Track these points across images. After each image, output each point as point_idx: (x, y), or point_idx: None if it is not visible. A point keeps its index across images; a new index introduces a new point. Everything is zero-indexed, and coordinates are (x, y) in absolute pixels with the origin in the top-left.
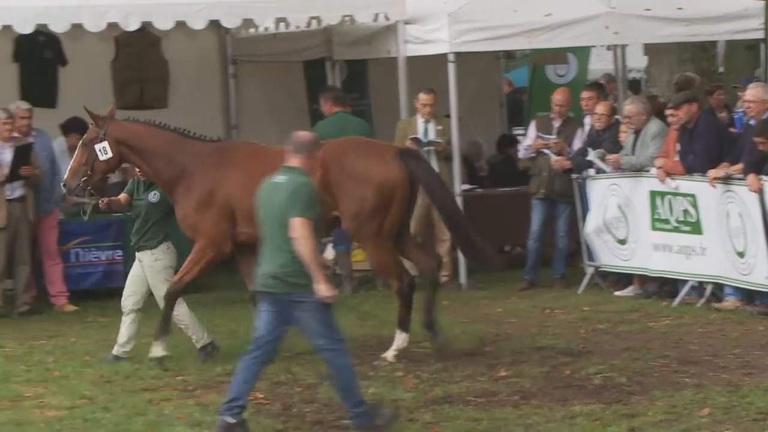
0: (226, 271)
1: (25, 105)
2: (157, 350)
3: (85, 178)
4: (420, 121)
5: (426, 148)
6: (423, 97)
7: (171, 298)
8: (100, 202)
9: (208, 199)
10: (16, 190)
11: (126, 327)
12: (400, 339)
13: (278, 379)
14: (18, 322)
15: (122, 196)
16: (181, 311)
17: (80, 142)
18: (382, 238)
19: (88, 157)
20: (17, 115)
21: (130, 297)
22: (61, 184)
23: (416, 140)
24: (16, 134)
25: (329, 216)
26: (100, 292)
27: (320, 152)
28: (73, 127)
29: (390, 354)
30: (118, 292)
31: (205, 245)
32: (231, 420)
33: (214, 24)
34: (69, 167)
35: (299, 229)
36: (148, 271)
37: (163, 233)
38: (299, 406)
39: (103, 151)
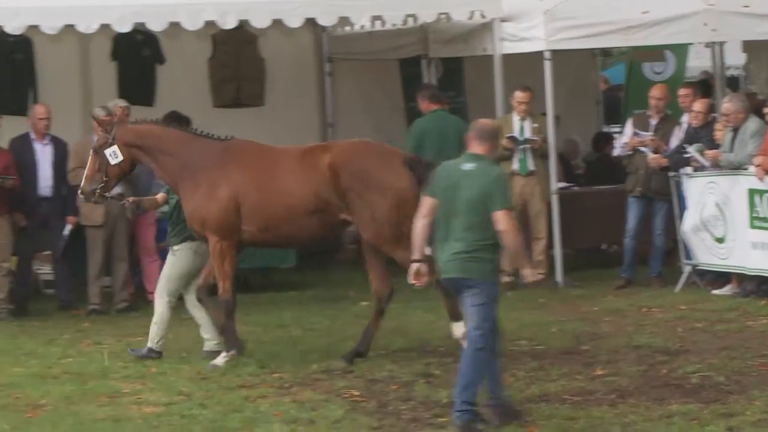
0: (321, 270)
1: (122, 102)
2: (219, 360)
3: (102, 184)
4: (516, 119)
5: (522, 146)
6: (519, 95)
7: (228, 311)
8: (125, 201)
9: (215, 195)
10: (114, 188)
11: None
12: (458, 328)
13: (374, 377)
14: (116, 318)
15: (159, 195)
16: (201, 312)
17: (92, 149)
18: (404, 239)
19: (101, 163)
20: (115, 112)
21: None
22: (78, 192)
23: (512, 139)
24: None
25: (337, 218)
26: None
27: (329, 155)
28: (170, 122)
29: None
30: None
31: (216, 241)
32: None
33: (311, 22)
34: (84, 175)
35: (507, 220)
36: (167, 262)
37: (188, 232)
38: (395, 403)
39: (114, 155)
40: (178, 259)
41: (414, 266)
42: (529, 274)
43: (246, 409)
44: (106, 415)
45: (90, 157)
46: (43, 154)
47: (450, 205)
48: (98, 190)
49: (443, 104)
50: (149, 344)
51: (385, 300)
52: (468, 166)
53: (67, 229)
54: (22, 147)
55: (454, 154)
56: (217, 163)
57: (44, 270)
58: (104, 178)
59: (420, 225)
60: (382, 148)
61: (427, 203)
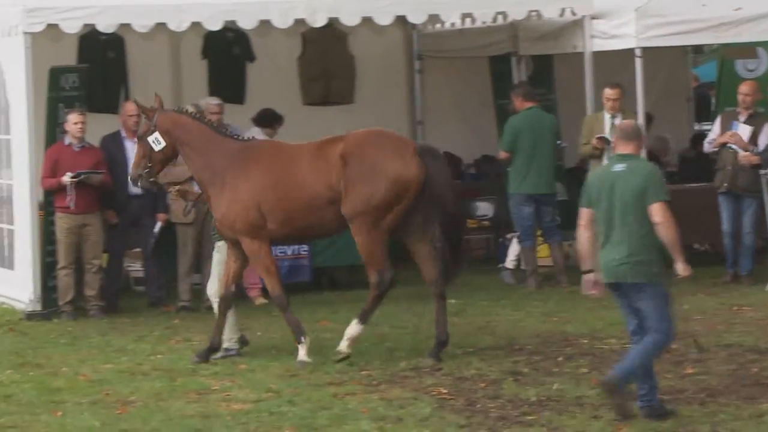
0: (409, 267)
1: (215, 100)
2: (302, 354)
3: (146, 170)
4: (607, 116)
5: (611, 146)
6: (608, 92)
7: (283, 309)
8: (171, 189)
9: (239, 196)
10: None
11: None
12: (355, 329)
13: (462, 375)
14: (205, 316)
15: None
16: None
17: (137, 136)
18: (379, 230)
19: (145, 149)
20: (208, 110)
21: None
22: (129, 177)
23: (603, 139)
24: None
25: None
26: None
27: (342, 145)
28: (265, 120)
29: (342, 345)
30: (303, 287)
31: (249, 242)
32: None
33: (401, 20)
34: (133, 162)
35: (663, 212)
36: (215, 261)
37: None
38: (483, 401)
39: (156, 141)
40: (218, 255)
41: (588, 277)
42: (682, 269)
43: (334, 406)
44: (195, 411)
45: (137, 144)
46: (134, 152)
47: (608, 210)
48: (143, 176)
49: (537, 102)
50: (224, 345)
51: (439, 283)
52: (619, 167)
53: (158, 226)
54: (113, 145)
55: (548, 151)
56: (236, 163)
57: (135, 267)
58: (148, 165)
59: (584, 237)
60: (394, 137)
61: (585, 214)
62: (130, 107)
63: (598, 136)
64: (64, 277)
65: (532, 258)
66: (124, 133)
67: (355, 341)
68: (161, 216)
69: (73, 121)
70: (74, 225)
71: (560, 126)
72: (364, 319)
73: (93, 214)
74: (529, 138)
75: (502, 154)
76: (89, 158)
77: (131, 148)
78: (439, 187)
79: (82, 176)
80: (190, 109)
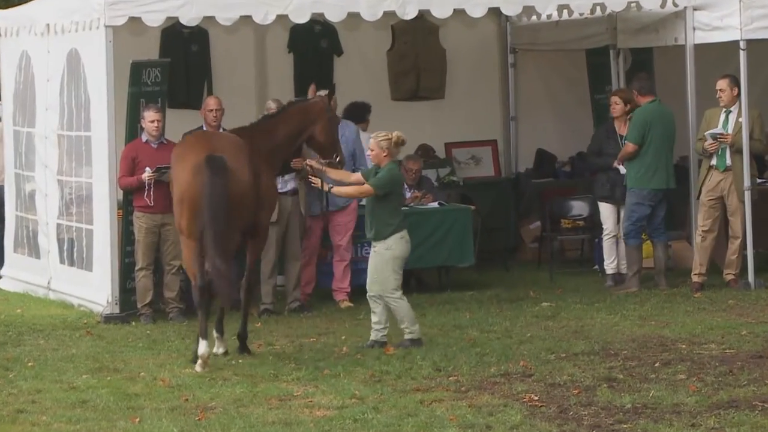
0: (500, 269)
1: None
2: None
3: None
4: (723, 110)
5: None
6: (718, 83)
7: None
8: (306, 165)
9: None
10: (288, 183)
11: (377, 313)
12: (201, 347)
13: (554, 381)
14: (288, 319)
15: (354, 175)
16: (402, 304)
17: None
18: (183, 234)
19: None
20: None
21: (372, 284)
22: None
23: (712, 136)
24: None
25: None
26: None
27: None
28: (355, 113)
29: (197, 366)
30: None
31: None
32: None
33: (494, 12)
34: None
35: None
36: (379, 258)
37: (393, 223)
38: (576, 409)
39: None
40: (388, 251)
41: None
42: None
43: (421, 413)
44: (277, 418)
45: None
46: None
47: None
48: None
49: (654, 95)
50: (409, 336)
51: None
52: None
53: None
54: None
55: (672, 145)
56: None
57: None
58: None
59: None
60: (193, 145)
61: None
62: (211, 102)
63: (707, 133)
64: (142, 279)
65: (638, 258)
66: (205, 128)
67: (205, 359)
68: None
69: (149, 119)
70: (153, 225)
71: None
72: (203, 334)
73: (172, 213)
74: (659, 131)
75: (630, 147)
76: (169, 155)
77: None
78: (207, 200)
79: (163, 170)
80: (273, 105)
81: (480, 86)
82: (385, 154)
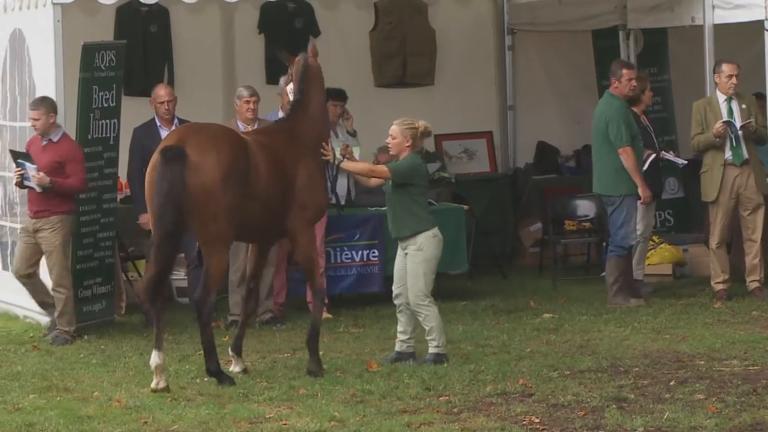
0: (497, 276)
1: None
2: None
3: None
4: (722, 98)
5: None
6: (727, 68)
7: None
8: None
9: None
10: None
11: (402, 322)
12: (154, 358)
13: (557, 401)
14: (260, 332)
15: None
16: (432, 312)
17: None
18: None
19: None
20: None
21: (399, 290)
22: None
23: (728, 123)
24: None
25: None
26: (352, 299)
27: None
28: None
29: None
30: (372, 299)
31: None
32: None
33: None
34: None
35: None
36: (409, 261)
37: (418, 217)
38: None
39: None
40: (420, 252)
41: None
42: None
43: None
44: None
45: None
46: None
47: None
48: None
49: None
50: (434, 350)
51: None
52: None
53: None
54: (146, 136)
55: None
56: None
57: (177, 276)
58: None
59: None
60: (168, 136)
61: None
62: (160, 92)
63: (724, 120)
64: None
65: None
66: (159, 122)
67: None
68: None
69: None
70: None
71: (674, 111)
72: (158, 345)
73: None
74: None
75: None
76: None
77: None
78: (157, 192)
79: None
80: (245, 92)
81: (474, 71)
82: (408, 143)
